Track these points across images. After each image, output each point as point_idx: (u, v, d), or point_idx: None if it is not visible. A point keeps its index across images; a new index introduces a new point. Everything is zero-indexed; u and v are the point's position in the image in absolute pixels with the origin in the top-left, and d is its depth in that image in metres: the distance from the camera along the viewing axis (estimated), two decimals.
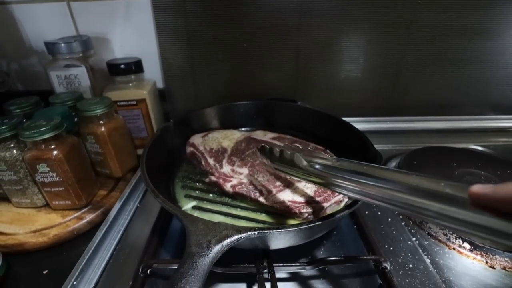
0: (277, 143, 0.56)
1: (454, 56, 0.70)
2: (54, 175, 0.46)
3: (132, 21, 0.66)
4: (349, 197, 0.43)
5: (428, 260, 0.41)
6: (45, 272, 0.42)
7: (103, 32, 0.67)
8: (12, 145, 0.46)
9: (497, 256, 0.42)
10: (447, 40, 0.68)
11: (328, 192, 0.44)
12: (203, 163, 0.53)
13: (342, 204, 0.45)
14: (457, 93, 0.75)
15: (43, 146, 0.44)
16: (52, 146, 0.45)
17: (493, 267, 0.41)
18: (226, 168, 0.52)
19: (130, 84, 0.62)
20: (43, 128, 0.43)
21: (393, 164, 0.61)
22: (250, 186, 0.47)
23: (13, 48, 0.69)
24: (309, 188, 0.45)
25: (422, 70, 0.72)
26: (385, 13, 0.65)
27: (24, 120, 0.48)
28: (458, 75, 0.72)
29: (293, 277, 0.40)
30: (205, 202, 0.48)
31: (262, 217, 0.45)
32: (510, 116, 0.77)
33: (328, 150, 0.55)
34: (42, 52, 0.67)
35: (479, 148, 0.69)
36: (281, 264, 0.38)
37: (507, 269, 0.40)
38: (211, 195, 0.50)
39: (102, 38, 0.68)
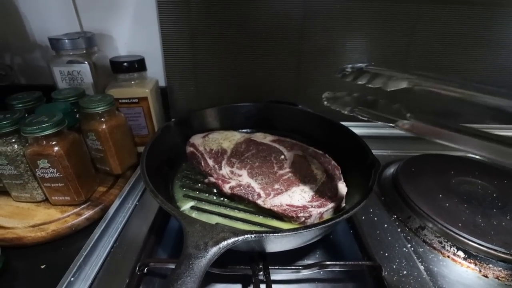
0: (277, 145, 0.56)
1: (455, 64, 0.70)
2: (54, 171, 0.46)
3: (136, 19, 0.67)
4: None
5: (422, 267, 0.42)
6: (42, 266, 0.42)
7: (107, 29, 0.67)
8: (13, 140, 0.46)
9: (490, 265, 0.42)
10: (448, 48, 0.68)
11: (325, 197, 0.45)
12: (202, 163, 0.53)
13: None
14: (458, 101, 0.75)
15: (44, 142, 0.45)
16: (53, 142, 0.45)
17: (486, 276, 0.41)
18: (225, 170, 0.52)
19: (133, 82, 0.62)
20: (45, 124, 0.43)
21: (391, 170, 0.61)
22: (248, 188, 0.47)
23: (17, 42, 0.69)
24: (307, 193, 0.46)
25: None
26: (388, 19, 0.65)
27: (26, 115, 0.48)
28: None
29: (288, 279, 0.40)
30: (203, 202, 0.48)
31: (259, 219, 0.45)
32: (509, 126, 0.77)
33: (327, 155, 0.55)
34: (45, 47, 0.67)
35: (477, 157, 0.69)
36: (277, 267, 0.38)
37: (500, 279, 0.41)
38: (209, 196, 0.50)
39: (106, 35, 0.68)
